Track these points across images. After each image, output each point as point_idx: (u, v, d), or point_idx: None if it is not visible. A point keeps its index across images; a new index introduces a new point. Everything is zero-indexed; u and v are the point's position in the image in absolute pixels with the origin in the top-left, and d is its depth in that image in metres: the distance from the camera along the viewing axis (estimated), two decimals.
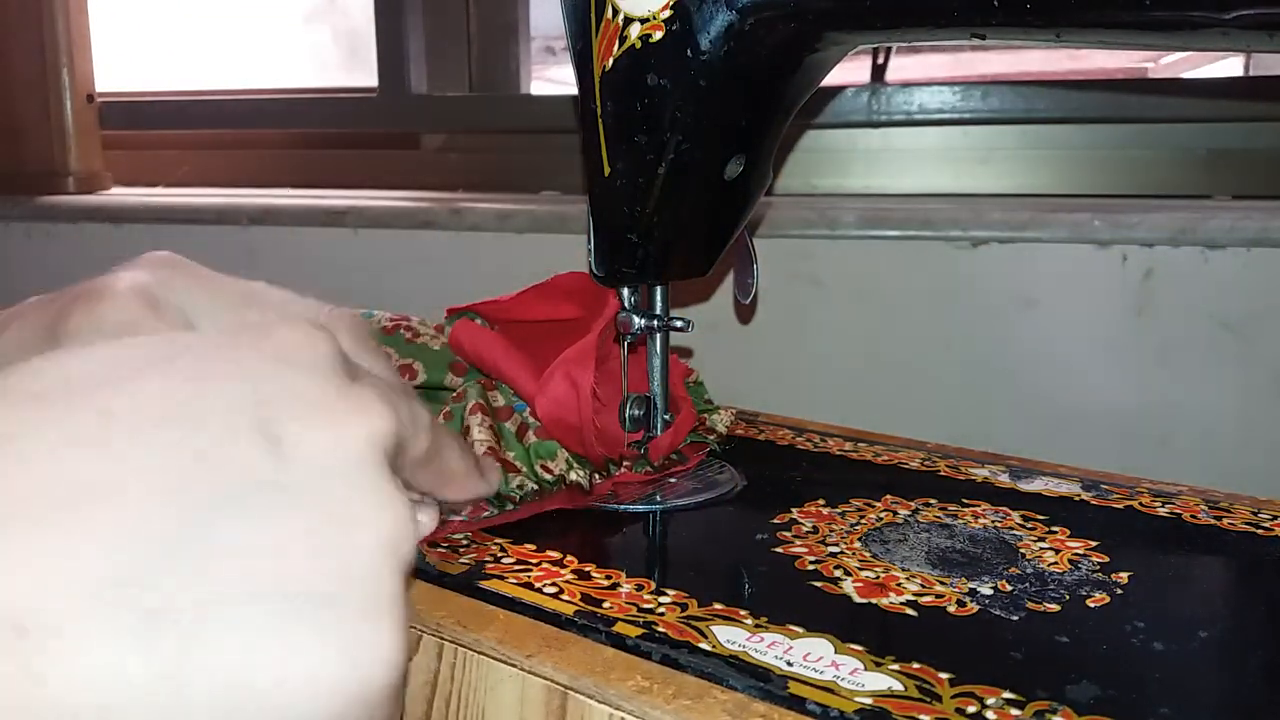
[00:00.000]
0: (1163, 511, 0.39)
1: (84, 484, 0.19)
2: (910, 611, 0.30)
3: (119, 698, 0.18)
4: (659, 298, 0.42)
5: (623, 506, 0.39)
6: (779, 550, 0.35)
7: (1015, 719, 0.25)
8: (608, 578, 0.32)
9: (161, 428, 0.20)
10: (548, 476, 0.38)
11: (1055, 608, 0.31)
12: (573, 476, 0.39)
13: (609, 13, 0.37)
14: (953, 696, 0.26)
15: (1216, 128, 0.67)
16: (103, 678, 0.18)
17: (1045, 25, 0.29)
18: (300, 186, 0.90)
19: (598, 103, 0.38)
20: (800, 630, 0.29)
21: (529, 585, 0.32)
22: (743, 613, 0.30)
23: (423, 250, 0.73)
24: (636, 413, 0.42)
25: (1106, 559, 0.34)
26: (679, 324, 0.42)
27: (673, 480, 0.42)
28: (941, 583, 0.32)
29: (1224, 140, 0.67)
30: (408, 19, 0.84)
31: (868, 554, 0.35)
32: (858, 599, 0.31)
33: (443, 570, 0.33)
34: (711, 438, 0.46)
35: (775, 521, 0.38)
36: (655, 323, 0.42)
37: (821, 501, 0.39)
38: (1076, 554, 0.35)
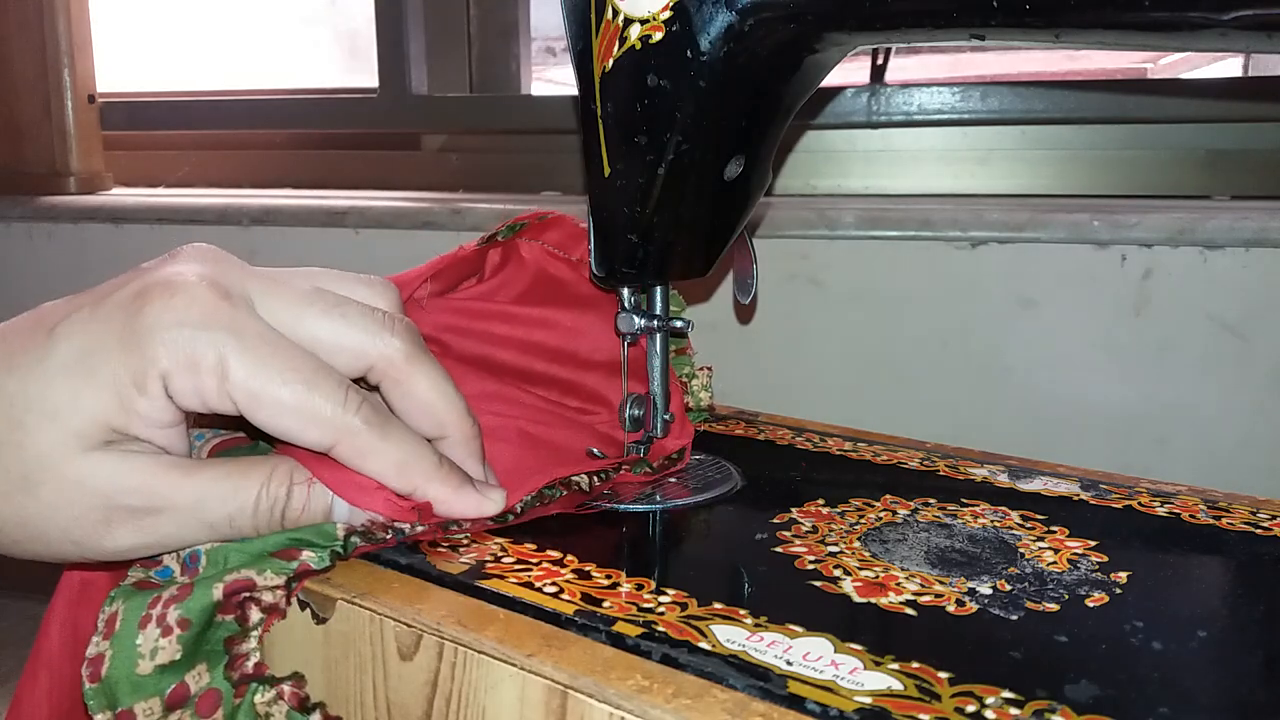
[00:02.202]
0: (1161, 511, 0.39)
1: None
2: (909, 611, 0.30)
3: None
4: (659, 298, 0.43)
5: (623, 506, 0.39)
6: (778, 550, 0.35)
7: (1014, 718, 0.25)
8: (608, 577, 0.33)
9: None
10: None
11: (1054, 607, 0.31)
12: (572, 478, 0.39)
13: (609, 13, 0.37)
14: (952, 696, 0.26)
15: (1215, 128, 0.67)
16: None
17: (1044, 26, 0.30)
18: (301, 187, 0.91)
19: (598, 103, 0.38)
20: (800, 630, 0.29)
21: (529, 585, 0.32)
22: (742, 612, 0.30)
23: (424, 250, 0.73)
24: (636, 413, 0.42)
25: (1105, 559, 0.34)
26: (679, 324, 0.42)
27: (672, 480, 0.42)
28: (941, 582, 0.32)
29: (1223, 140, 0.67)
30: (408, 20, 0.84)
31: (867, 553, 0.35)
32: (857, 598, 0.31)
33: (443, 570, 0.33)
34: (695, 412, 0.46)
35: (775, 521, 0.38)
36: (655, 323, 0.42)
37: (821, 501, 0.40)
38: (1075, 553, 0.35)
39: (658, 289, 0.43)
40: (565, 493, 0.38)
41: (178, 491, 0.31)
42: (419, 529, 0.34)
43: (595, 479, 0.39)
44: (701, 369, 0.48)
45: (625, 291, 0.42)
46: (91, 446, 0.30)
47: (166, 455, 0.32)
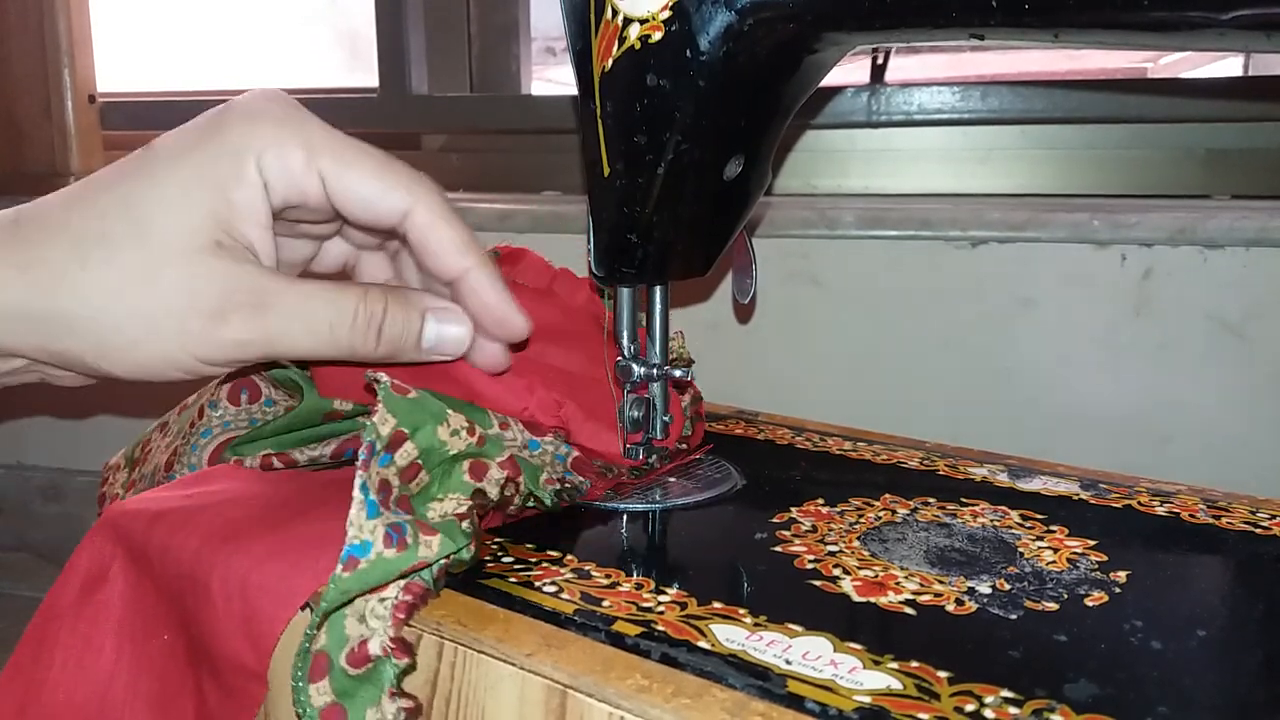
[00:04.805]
0: (1161, 511, 0.39)
1: None
2: (909, 610, 0.30)
3: None
4: (657, 304, 0.43)
5: (622, 505, 0.39)
6: (778, 549, 0.35)
7: (1013, 717, 0.25)
8: (607, 577, 0.33)
9: None
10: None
11: (1053, 606, 0.31)
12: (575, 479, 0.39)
13: (608, 13, 0.37)
14: (951, 695, 0.26)
15: (1215, 128, 0.67)
16: None
17: (1043, 26, 0.30)
18: None
19: (597, 103, 0.38)
20: (799, 629, 0.29)
21: (529, 584, 0.32)
22: (742, 611, 0.30)
23: None
24: (636, 414, 0.42)
25: (1105, 558, 0.34)
26: (678, 373, 0.42)
27: (672, 480, 0.42)
28: (940, 581, 0.32)
29: (1223, 140, 0.67)
30: (408, 19, 0.84)
31: (866, 553, 0.35)
32: (856, 598, 0.31)
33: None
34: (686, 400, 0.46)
35: (774, 520, 0.38)
36: (655, 371, 0.42)
37: (820, 500, 0.40)
38: (1075, 553, 0.35)
39: (656, 290, 0.43)
40: (612, 475, 0.40)
41: (285, 292, 0.33)
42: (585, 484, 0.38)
43: (632, 474, 0.41)
44: (675, 334, 0.48)
45: (625, 340, 0.42)
46: (207, 244, 0.32)
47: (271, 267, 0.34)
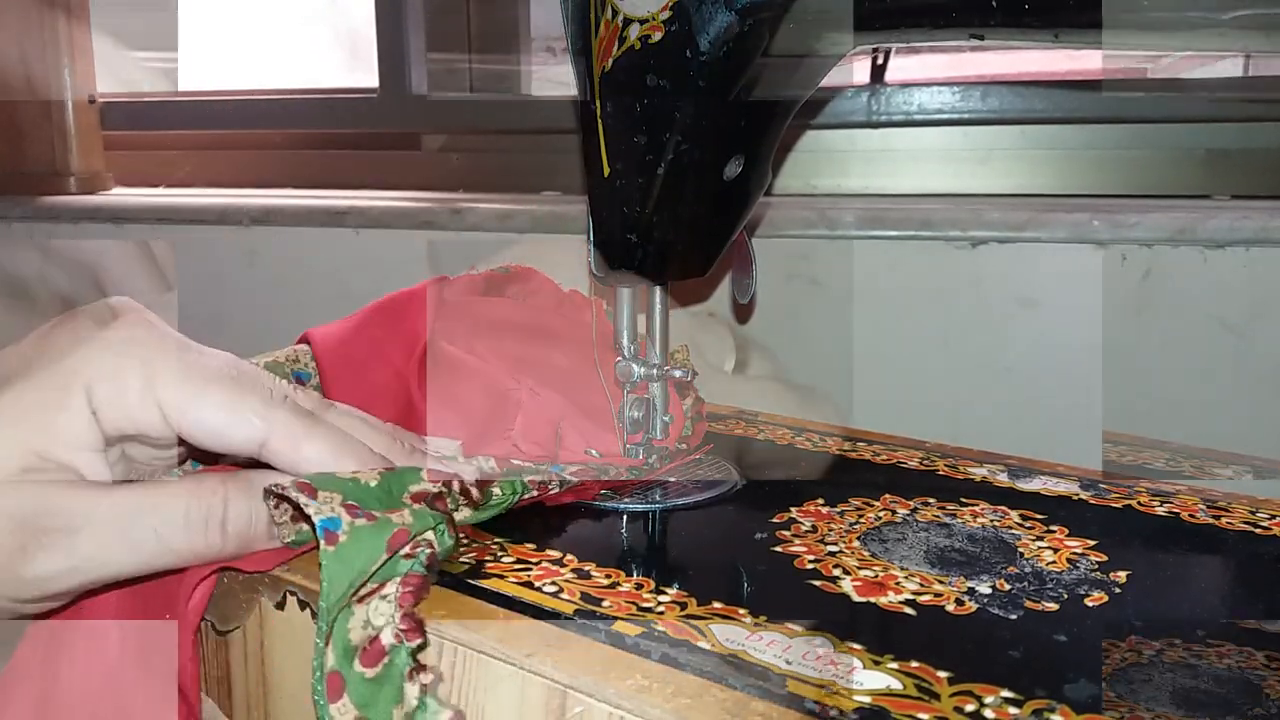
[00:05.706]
0: (1161, 511, 0.39)
1: None
2: (909, 610, 0.30)
3: None
4: (657, 304, 0.43)
5: (622, 505, 0.39)
6: (778, 549, 0.35)
7: (1013, 717, 0.25)
8: (607, 577, 0.33)
9: None
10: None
11: (1053, 606, 0.31)
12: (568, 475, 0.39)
13: (608, 13, 0.37)
14: (951, 695, 0.26)
15: (1216, 127, 0.67)
16: None
17: (1043, 26, 0.30)
18: (301, 187, 0.91)
19: (597, 103, 0.38)
20: (799, 629, 0.29)
21: (528, 584, 0.32)
22: (742, 611, 0.30)
23: (423, 250, 0.74)
24: (636, 414, 0.42)
25: (1105, 558, 0.34)
26: (678, 373, 0.42)
27: (672, 480, 0.42)
28: (940, 582, 0.32)
29: (1223, 140, 0.67)
30: (408, 19, 0.84)
31: (866, 553, 0.35)
32: (856, 598, 0.31)
33: (442, 569, 0.33)
34: (688, 403, 0.46)
35: (774, 521, 0.38)
36: (655, 371, 0.42)
37: (820, 501, 0.40)
38: (1075, 553, 0.35)
39: (657, 290, 0.43)
40: (609, 476, 0.40)
41: (96, 507, 0.30)
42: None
43: (630, 473, 0.41)
44: (680, 347, 0.48)
45: (624, 340, 0.42)
46: (11, 473, 0.29)
47: (86, 480, 0.31)
